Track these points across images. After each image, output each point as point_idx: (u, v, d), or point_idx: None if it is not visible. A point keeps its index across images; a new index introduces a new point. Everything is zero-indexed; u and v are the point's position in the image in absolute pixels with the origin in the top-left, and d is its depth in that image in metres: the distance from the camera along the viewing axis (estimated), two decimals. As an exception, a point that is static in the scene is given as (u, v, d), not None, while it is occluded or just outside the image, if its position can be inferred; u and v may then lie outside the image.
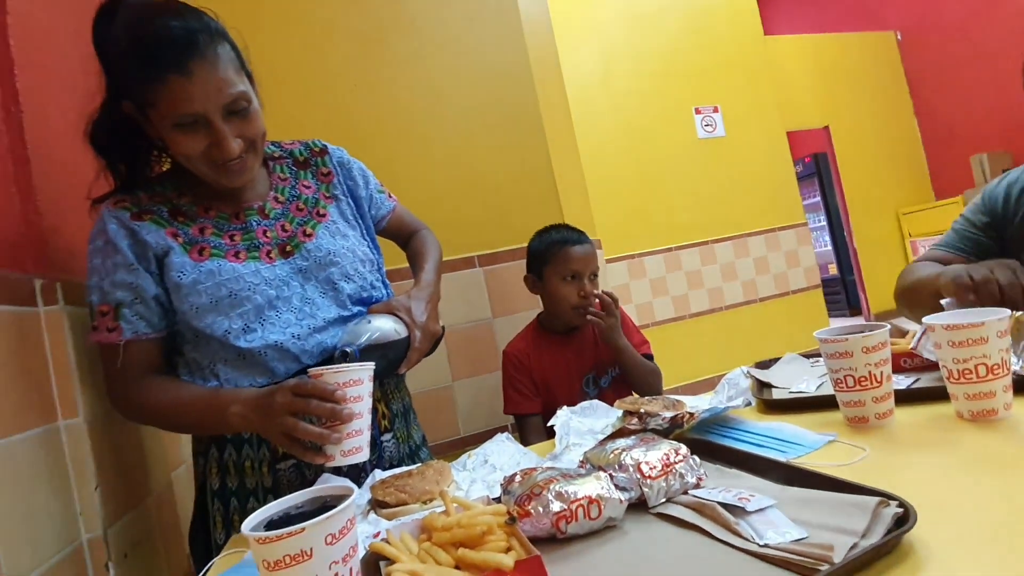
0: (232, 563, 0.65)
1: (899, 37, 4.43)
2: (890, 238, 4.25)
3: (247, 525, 0.43)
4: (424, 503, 0.67)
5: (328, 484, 0.50)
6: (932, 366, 0.81)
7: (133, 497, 0.91)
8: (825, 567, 0.40)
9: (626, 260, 3.11)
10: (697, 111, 3.36)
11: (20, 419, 0.71)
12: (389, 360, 0.84)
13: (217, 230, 0.85)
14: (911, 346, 0.80)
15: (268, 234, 0.88)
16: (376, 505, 0.69)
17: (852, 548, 0.42)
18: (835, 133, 4.21)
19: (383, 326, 0.84)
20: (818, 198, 4.73)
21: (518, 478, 0.59)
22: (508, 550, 0.48)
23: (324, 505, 0.45)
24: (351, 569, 0.44)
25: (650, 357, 1.47)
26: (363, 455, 0.72)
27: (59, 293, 0.81)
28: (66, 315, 0.82)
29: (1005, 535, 0.42)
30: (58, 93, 0.81)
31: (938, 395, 0.72)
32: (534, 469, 0.61)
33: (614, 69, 3.22)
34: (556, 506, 0.52)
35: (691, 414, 0.73)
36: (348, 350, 0.80)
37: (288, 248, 0.88)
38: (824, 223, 4.75)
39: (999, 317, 0.63)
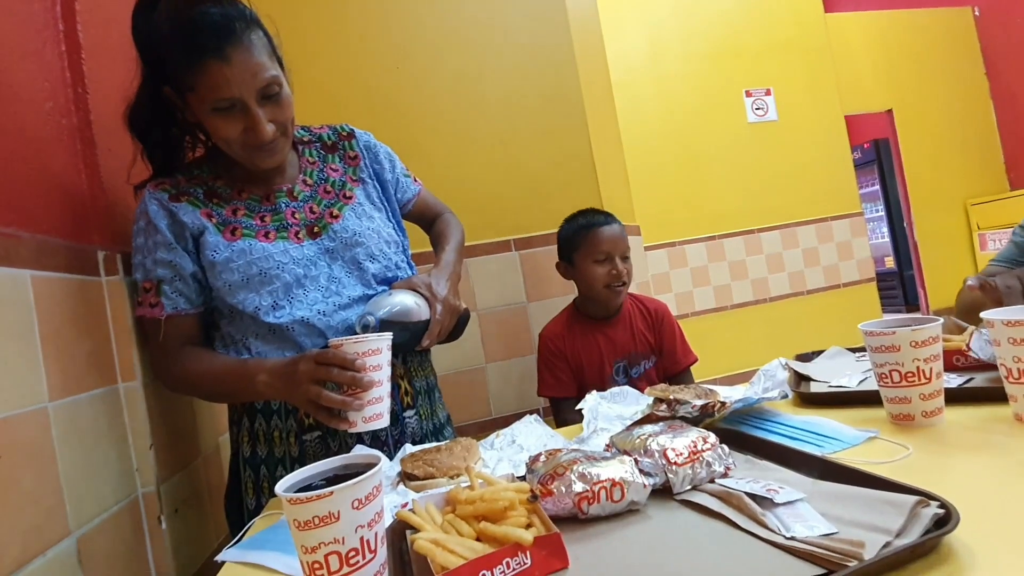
0: (270, 523, 0.69)
1: (976, 13, 4.10)
2: (956, 230, 3.98)
3: (281, 486, 0.45)
4: (451, 478, 0.68)
5: (359, 453, 0.52)
6: (988, 365, 0.77)
7: (184, 457, 0.97)
8: (854, 563, 0.39)
9: (666, 248, 3.04)
10: (748, 94, 3.22)
11: (84, 380, 0.76)
12: (411, 333, 0.86)
13: (249, 211, 0.89)
14: (965, 344, 0.76)
15: (297, 215, 0.92)
16: (405, 477, 0.71)
17: (885, 547, 0.41)
18: (899, 117, 3.96)
19: (404, 300, 0.86)
20: (876, 186, 4.47)
21: (543, 458, 0.60)
22: (529, 526, 0.49)
23: (355, 472, 0.46)
24: (376, 534, 0.46)
25: (689, 367, 1.47)
26: (383, 421, 0.75)
27: (119, 264, 0.87)
28: (126, 285, 0.87)
29: (1057, 544, 0.40)
30: (120, 75, 0.85)
31: (993, 396, 0.67)
32: (559, 450, 0.61)
33: (661, 52, 3.12)
34: (579, 487, 0.53)
35: (723, 403, 0.72)
36: (368, 320, 0.82)
37: (316, 229, 0.91)
38: (882, 213, 4.50)
39: (1068, 314, 0.59)
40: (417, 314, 0.86)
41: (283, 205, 0.92)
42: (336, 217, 0.93)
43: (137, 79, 0.84)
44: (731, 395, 0.77)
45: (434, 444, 0.79)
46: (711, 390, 0.80)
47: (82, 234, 0.83)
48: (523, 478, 0.61)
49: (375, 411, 0.74)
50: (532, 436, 0.83)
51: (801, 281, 3.22)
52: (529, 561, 0.45)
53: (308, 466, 0.50)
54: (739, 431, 0.70)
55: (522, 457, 0.75)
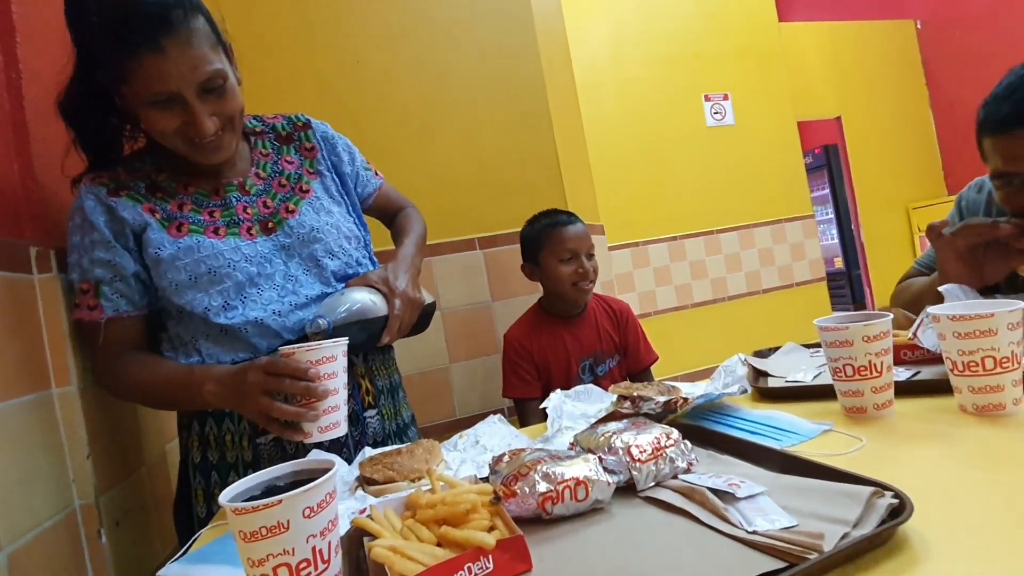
0: (218, 535, 0.65)
1: (919, 26, 4.32)
2: (899, 233, 4.20)
3: (225, 496, 0.43)
4: (412, 481, 0.66)
5: (313, 459, 0.49)
6: (934, 359, 0.80)
7: (126, 467, 0.92)
8: (814, 556, 0.39)
9: (630, 248, 3.08)
10: (707, 98, 3.30)
11: (14, 385, 0.71)
12: (369, 333, 0.83)
13: (196, 206, 0.84)
14: (910, 334, 0.79)
15: (249, 211, 0.87)
16: (364, 482, 0.68)
17: (843, 538, 0.41)
18: (847, 124, 4.14)
19: (360, 298, 0.83)
20: (827, 190, 4.66)
21: (506, 458, 0.59)
22: (492, 529, 0.48)
23: (307, 479, 0.44)
24: (330, 543, 0.43)
25: (650, 366, 1.50)
26: (341, 430, 0.72)
27: (53, 261, 0.81)
28: (61, 283, 0.82)
29: (1006, 532, 0.41)
30: (57, 62, 0.79)
31: (940, 388, 0.70)
32: (523, 450, 0.60)
33: (624, 54, 3.16)
34: (542, 487, 0.52)
35: (685, 399, 0.72)
36: (320, 323, 0.79)
37: (270, 225, 0.87)
38: (832, 216, 4.69)
39: (1011, 309, 0.61)
40: (374, 311, 0.83)
41: (234, 200, 0.87)
42: (292, 212, 0.89)
43: (72, 63, 0.78)
44: (693, 391, 0.77)
45: (394, 447, 0.77)
46: (673, 387, 0.81)
47: (13, 228, 0.77)
48: (486, 479, 0.60)
49: (331, 420, 0.71)
50: (496, 436, 0.82)
51: (757, 280, 3.32)
52: (491, 565, 0.43)
53: (256, 473, 0.48)
54: (701, 427, 0.70)
55: (486, 458, 0.73)
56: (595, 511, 0.53)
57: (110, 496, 0.83)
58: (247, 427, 0.83)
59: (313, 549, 0.42)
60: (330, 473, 0.43)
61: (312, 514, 0.42)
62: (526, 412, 1.41)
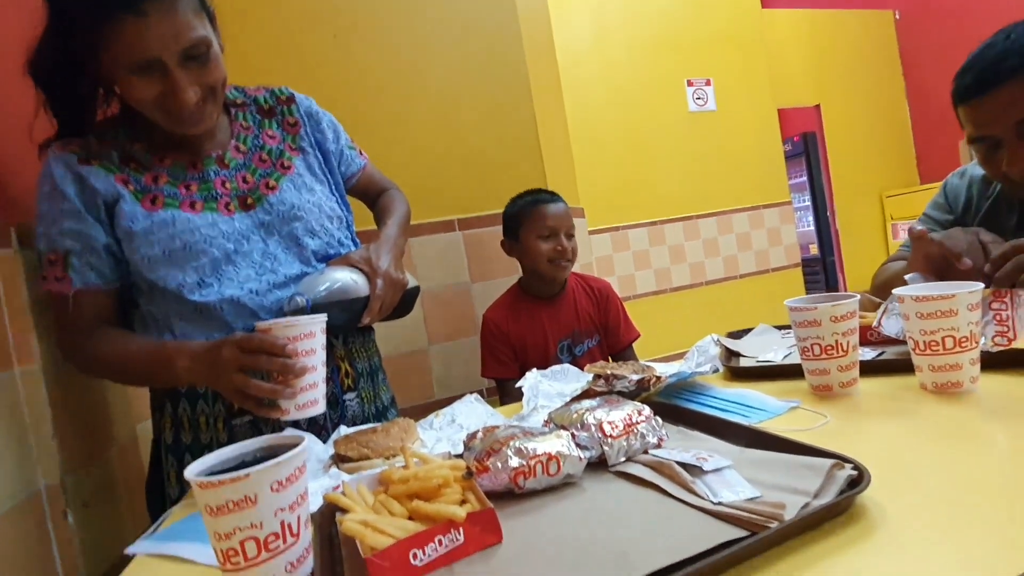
0: (189, 513, 0.65)
1: (897, 16, 4.37)
2: (872, 220, 4.28)
3: (191, 470, 0.42)
4: (387, 459, 0.66)
5: (281, 435, 0.49)
6: (897, 341, 0.82)
7: (94, 448, 0.90)
8: (775, 525, 0.41)
9: (610, 232, 3.10)
10: (689, 83, 3.30)
11: (-28, 364, 0.68)
12: (350, 314, 0.82)
13: (172, 179, 0.81)
14: (874, 323, 0.81)
15: (227, 185, 0.84)
16: (338, 460, 0.68)
17: (804, 507, 0.43)
18: (826, 112, 4.19)
19: (340, 277, 0.81)
20: (804, 177, 4.73)
21: (480, 435, 0.59)
22: (463, 503, 0.48)
23: (275, 454, 0.43)
24: (299, 517, 0.43)
25: (631, 343, 1.51)
26: (319, 408, 0.71)
27: (13, 236, 0.78)
28: (21, 259, 0.79)
29: (958, 502, 0.43)
30: (14, 29, 0.75)
31: (903, 368, 0.72)
32: (497, 427, 0.60)
33: (607, 35, 3.14)
34: (515, 462, 0.52)
35: (658, 378, 0.73)
36: (298, 301, 0.77)
37: (249, 200, 0.84)
38: (808, 203, 4.77)
39: (971, 290, 0.63)
40: (355, 291, 0.81)
41: (212, 173, 0.84)
42: (272, 188, 0.86)
43: (43, 22, 0.73)
44: (666, 370, 0.78)
45: (370, 425, 0.77)
46: (648, 366, 0.82)
47: (-33, 203, 0.74)
48: (461, 456, 0.60)
49: (309, 397, 0.70)
50: (473, 415, 0.82)
51: (735, 265, 3.37)
52: (462, 538, 0.44)
53: (224, 448, 0.47)
54: (673, 404, 0.71)
55: (462, 436, 0.73)
56: (567, 485, 0.54)
57: (77, 477, 0.82)
58: (222, 408, 0.81)
59: (282, 523, 0.42)
60: (299, 448, 0.43)
61: (280, 488, 0.41)
62: (506, 391, 1.43)
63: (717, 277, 3.34)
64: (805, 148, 4.68)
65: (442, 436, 0.76)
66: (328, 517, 0.53)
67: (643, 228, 3.18)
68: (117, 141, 0.81)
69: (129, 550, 0.57)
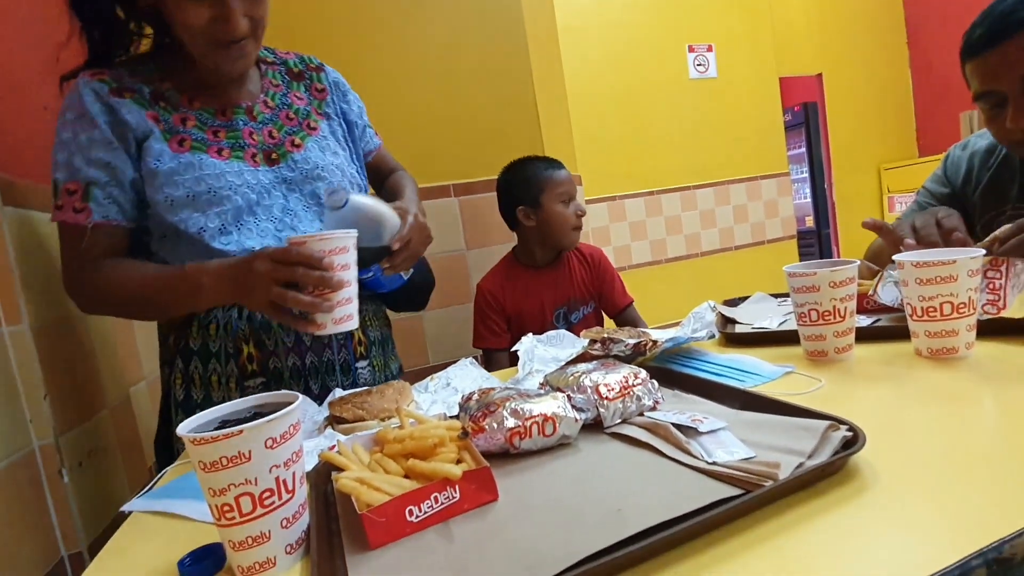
0: (183, 472, 0.65)
1: (904, -17, 4.26)
2: (869, 193, 4.26)
3: (184, 427, 0.42)
4: (382, 420, 0.66)
5: (276, 392, 0.48)
6: (893, 309, 0.82)
7: (87, 408, 0.89)
8: (769, 483, 0.41)
9: (607, 202, 3.07)
10: (691, 49, 3.22)
11: (-43, 324, 0.67)
12: (379, 241, 0.78)
13: (200, 123, 0.80)
14: (870, 291, 0.81)
15: (255, 137, 0.83)
16: (333, 421, 0.68)
17: (798, 467, 0.43)
18: (828, 82, 4.11)
19: (376, 203, 0.79)
20: (803, 149, 4.68)
21: (476, 396, 0.59)
22: (459, 462, 0.48)
23: (269, 411, 0.43)
24: (294, 474, 0.43)
25: (627, 306, 1.50)
26: (354, 323, 0.70)
27: (-1, 194, 0.76)
28: (6, 217, 0.76)
29: (948, 462, 0.43)
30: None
31: (898, 334, 0.72)
32: (493, 388, 0.60)
33: (608, -2, 3.04)
34: (511, 422, 0.52)
35: (654, 342, 0.73)
36: (339, 196, 0.74)
37: (274, 156, 0.84)
38: (806, 175, 4.73)
39: (972, 255, 0.63)
40: (389, 218, 0.79)
41: (240, 123, 0.83)
42: (298, 147, 0.85)
43: None
44: (663, 335, 0.78)
45: (365, 388, 0.77)
46: (644, 331, 0.82)
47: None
48: (456, 418, 0.60)
49: (345, 312, 0.69)
50: (467, 379, 0.82)
51: (730, 237, 3.36)
52: (458, 495, 0.44)
53: (220, 406, 0.47)
54: (668, 368, 0.71)
55: (457, 399, 0.73)
56: (562, 446, 0.54)
57: (71, 437, 0.82)
58: (235, 369, 0.81)
59: (277, 479, 0.42)
60: (293, 405, 0.43)
61: (275, 444, 0.41)
62: (491, 362, 1.42)
63: (713, 248, 3.33)
64: (806, 118, 4.61)
65: (437, 399, 0.76)
66: (324, 476, 0.53)
67: (640, 198, 3.15)
68: (148, 76, 0.79)
69: (125, 507, 0.57)
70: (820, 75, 4.11)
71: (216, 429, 0.41)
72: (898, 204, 4.13)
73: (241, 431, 0.40)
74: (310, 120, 0.89)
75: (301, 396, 0.45)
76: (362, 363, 0.90)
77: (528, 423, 0.52)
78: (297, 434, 0.43)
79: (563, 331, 0.91)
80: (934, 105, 4.16)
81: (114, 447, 0.96)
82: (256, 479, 0.41)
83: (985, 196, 1.00)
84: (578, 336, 0.88)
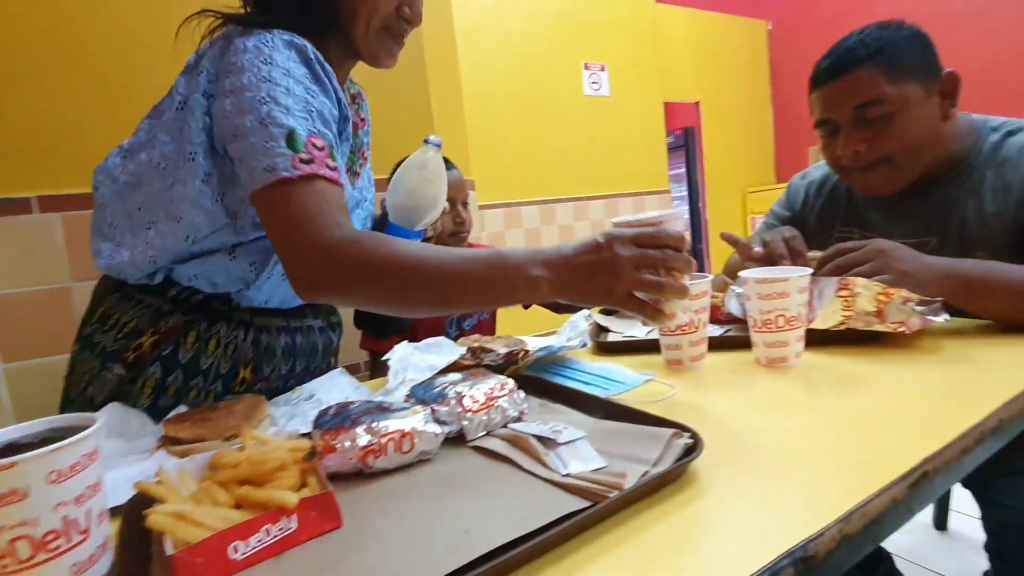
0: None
1: (770, 27, 4.80)
2: (736, 213, 4.74)
3: (-65, 460, 0.34)
4: (226, 439, 0.59)
5: (74, 415, 0.41)
6: (742, 320, 0.90)
7: None
8: (615, 494, 0.42)
9: (503, 208, 3.10)
10: (586, 67, 3.37)
11: None
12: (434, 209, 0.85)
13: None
14: (721, 301, 0.88)
15: (356, 150, 0.84)
16: (168, 442, 0.60)
17: (643, 475, 0.44)
18: (704, 109, 4.52)
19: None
20: (683, 169, 5.10)
21: (332, 412, 0.55)
22: (303, 487, 0.44)
23: (60, 437, 0.36)
24: (89, 511, 0.37)
25: None
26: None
27: None
28: None
29: (777, 466, 0.47)
30: None
31: (744, 344, 0.79)
32: (352, 402, 0.56)
33: (509, 7, 3.09)
34: (364, 440, 0.49)
35: (526, 351, 0.74)
36: (433, 138, 0.77)
37: (356, 170, 0.83)
38: (685, 193, 5.16)
39: (801, 275, 0.70)
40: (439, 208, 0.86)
41: (362, 134, 0.84)
42: (356, 175, 0.82)
43: None
44: (537, 344, 0.79)
45: (213, 404, 0.69)
46: (520, 340, 0.82)
47: None
48: (309, 435, 0.55)
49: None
50: (334, 390, 0.77)
51: (618, 248, 3.55)
52: (295, 525, 0.40)
53: (11, 428, 0.39)
54: (538, 377, 0.72)
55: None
56: (420, 462, 0.52)
57: None
58: (220, 387, 0.74)
59: (64, 519, 0.35)
60: (88, 431, 0.36)
61: (61, 478, 0.35)
62: (376, 366, 1.37)
63: (601, 258, 3.49)
64: (686, 141, 5.02)
65: (297, 412, 0.70)
66: (140, 508, 0.46)
67: (535, 206, 3.22)
68: (331, 61, 0.72)
69: None
70: (698, 103, 4.50)
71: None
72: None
73: (14, 463, 0.33)
74: (363, 148, 0.88)
75: (105, 416, 0.39)
76: None
77: (384, 440, 0.49)
78: (93, 464, 0.37)
79: (442, 338, 0.88)
80: (791, 138, 4.74)
81: None
82: (37, 519, 0.34)
83: (818, 219, 1.14)
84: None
